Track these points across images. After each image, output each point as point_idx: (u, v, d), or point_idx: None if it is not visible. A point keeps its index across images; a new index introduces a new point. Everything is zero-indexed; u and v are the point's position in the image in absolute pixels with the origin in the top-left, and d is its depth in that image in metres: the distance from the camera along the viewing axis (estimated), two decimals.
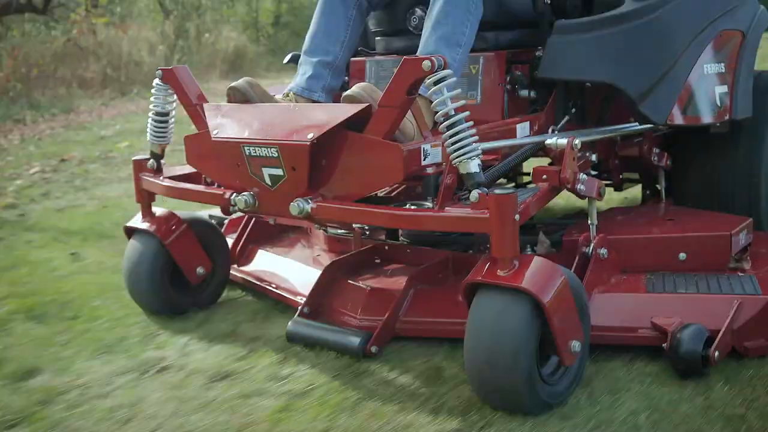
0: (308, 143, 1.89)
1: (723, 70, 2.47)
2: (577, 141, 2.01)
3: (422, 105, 2.03)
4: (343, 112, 1.92)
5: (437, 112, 1.79)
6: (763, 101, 2.64)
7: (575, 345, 1.77)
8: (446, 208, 1.82)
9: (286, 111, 2.02)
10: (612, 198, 3.52)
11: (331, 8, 2.37)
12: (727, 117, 2.47)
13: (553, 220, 2.74)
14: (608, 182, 2.91)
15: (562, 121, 2.37)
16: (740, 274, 2.14)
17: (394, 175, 1.88)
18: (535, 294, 1.68)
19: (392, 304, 2.14)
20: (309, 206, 1.94)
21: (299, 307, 2.26)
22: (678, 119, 2.33)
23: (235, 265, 2.69)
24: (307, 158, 1.91)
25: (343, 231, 2.61)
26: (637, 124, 2.49)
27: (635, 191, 3.26)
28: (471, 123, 1.80)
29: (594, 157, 2.41)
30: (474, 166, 1.77)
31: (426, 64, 1.76)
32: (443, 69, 1.78)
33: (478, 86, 2.39)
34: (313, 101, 2.31)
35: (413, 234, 2.56)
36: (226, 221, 2.90)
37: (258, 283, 2.57)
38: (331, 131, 1.90)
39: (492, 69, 2.36)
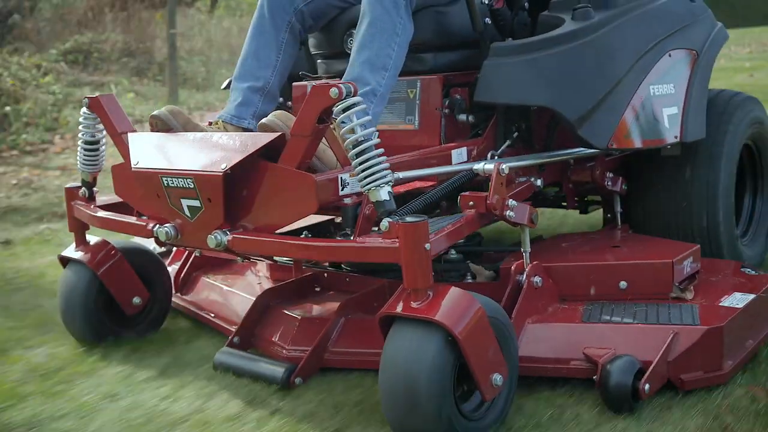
0: (221, 174, 1.85)
1: (672, 91, 2.40)
2: (504, 166, 1.95)
3: None
4: (256, 141, 1.88)
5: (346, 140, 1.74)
6: (719, 122, 2.56)
7: (497, 378, 1.70)
8: (359, 238, 1.77)
9: (202, 141, 1.98)
10: (582, 220, 3.45)
11: (261, 31, 2.33)
12: (677, 139, 2.40)
13: (502, 247, 2.67)
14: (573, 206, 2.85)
15: (503, 146, 2.31)
16: (682, 303, 2.05)
17: (308, 205, 1.83)
18: (448, 326, 1.62)
19: (320, 334, 2.09)
20: (226, 238, 1.90)
21: (229, 336, 2.21)
22: (621, 143, 2.26)
23: (179, 293, 2.65)
24: (221, 189, 1.87)
25: (287, 258, 2.56)
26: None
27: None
28: (381, 150, 1.75)
29: (539, 182, 2.34)
30: (384, 193, 1.72)
31: (333, 91, 1.72)
32: (352, 95, 1.74)
33: (415, 111, 2.34)
34: (243, 129, 2.27)
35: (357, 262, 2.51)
36: (174, 250, 2.86)
37: (198, 311, 2.53)
38: (245, 161, 1.86)
39: (430, 93, 2.31)
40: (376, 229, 1.88)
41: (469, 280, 2.27)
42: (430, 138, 2.31)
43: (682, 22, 2.46)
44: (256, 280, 2.60)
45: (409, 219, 1.67)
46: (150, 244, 2.62)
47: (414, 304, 1.66)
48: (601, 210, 2.84)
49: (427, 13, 2.29)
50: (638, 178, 2.60)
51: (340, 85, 1.72)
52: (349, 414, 1.89)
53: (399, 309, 1.68)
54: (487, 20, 2.37)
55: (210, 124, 2.33)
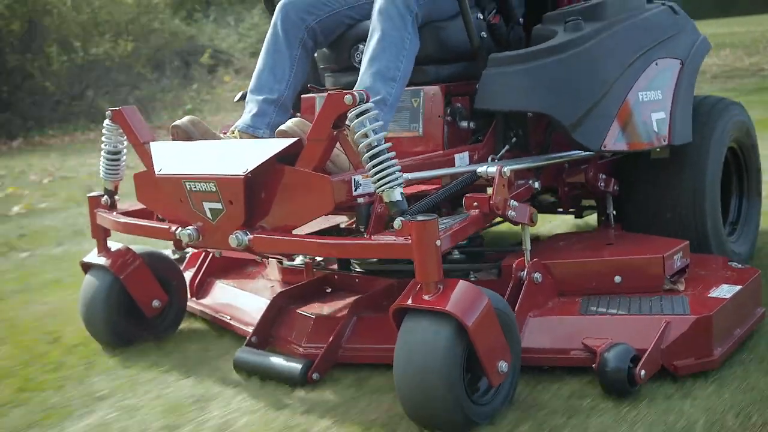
0: (243, 177, 1.98)
1: (660, 97, 2.54)
2: (506, 169, 2.08)
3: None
4: (274, 146, 2.01)
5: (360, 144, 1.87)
6: (705, 126, 2.71)
7: (502, 365, 1.83)
8: (373, 236, 1.89)
9: (223, 147, 2.10)
10: (577, 224, 3.58)
11: (276, 47, 2.47)
12: (665, 143, 2.54)
13: (502, 248, 2.80)
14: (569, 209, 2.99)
15: (502, 151, 2.45)
16: (673, 295, 2.19)
17: (324, 205, 1.96)
18: (459, 316, 1.74)
19: (334, 332, 2.21)
20: (247, 238, 2.02)
21: (247, 337, 2.33)
22: (613, 146, 2.40)
23: (194, 298, 2.76)
24: (242, 191, 1.99)
25: (299, 261, 2.69)
26: (580, 151, 2.57)
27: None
28: (393, 153, 1.88)
29: (537, 185, 2.48)
30: (397, 194, 1.85)
31: (347, 98, 1.85)
32: (365, 102, 1.87)
33: (419, 119, 2.47)
34: (257, 138, 2.39)
35: (367, 262, 2.63)
36: (187, 256, 2.98)
37: (214, 314, 2.64)
38: (265, 165, 1.98)
39: (433, 102, 2.45)
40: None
41: (472, 279, 2.40)
42: (433, 144, 2.44)
43: (668, 33, 2.61)
44: (269, 283, 2.72)
45: (420, 217, 1.80)
46: (166, 251, 2.75)
47: (426, 297, 1.79)
48: (594, 215, 2.98)
49: (429, 28, 2.43)
50: (629, 180, 2.74)
51: (354, 92, 1.85)
52: (365, 405, 2.01)
53: (412, 301, 1.80)
54: (483, 34, 2.51)
55: (225, 134, 2.46)
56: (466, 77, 2.51)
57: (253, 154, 2.01)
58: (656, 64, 2.54)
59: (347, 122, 1.88)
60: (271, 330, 2.36)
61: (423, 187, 2.30)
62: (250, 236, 2.01)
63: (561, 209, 2.93)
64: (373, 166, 1.86)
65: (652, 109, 2.51)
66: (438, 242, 1.79)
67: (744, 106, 2.95)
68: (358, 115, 1.86)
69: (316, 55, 2.72)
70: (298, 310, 2.37)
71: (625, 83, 2.43)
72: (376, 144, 1.86)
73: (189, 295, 2.72)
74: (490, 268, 2.44)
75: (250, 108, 2.43)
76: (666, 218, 2.68)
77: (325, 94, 2.66)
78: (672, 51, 2.61)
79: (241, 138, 2.39)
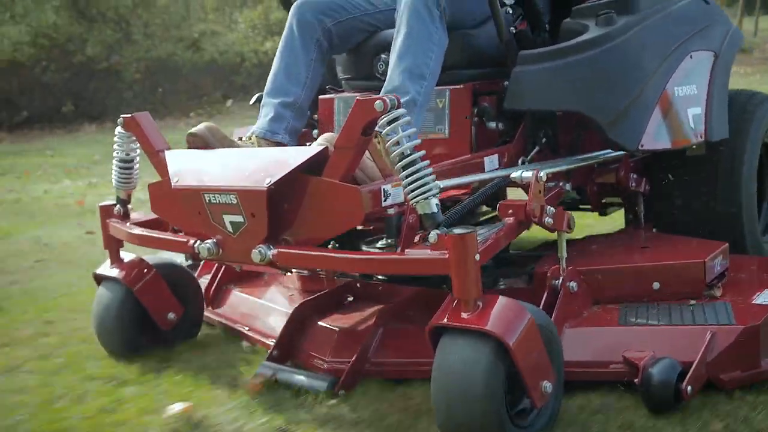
0: (266, 189, 1.87)
1: (695, 92, 2.44)
2: (542, 173, 1.98)
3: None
4: (299, 155, 1.90)
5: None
6: (740, 121, 2.60)
7: (546, 386, 1.73)
8: (407, 250, 1.79)
9: (243, 156, 2.00)
10: (603, 221, 3.47)
11: (292, 49, 2.36)
12: (702, 139, 2.44)
13: (532, 252, 2.70)
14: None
15: (532, 152, 2.34)
16: (716, 302, 2.09)
17: (354, 217, 1.85)
18: (500, 336, 1.64)
19: (359, 345, 2.11)
20: (270, 252, 1.91)
21: (269, 351, 2.23)
22: (650, 144, 2.29)
23: (210, 307, 2.66)
24: (265, 204, 1.89)
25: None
26: (611, 150, 2.46)
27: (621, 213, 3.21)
28: (427, 162, 1.77)
29: (568, 187, 2.37)
30: (432, 205, 1.74)
31: (378, 104, 1.74)
32: (397, 108, 1.76)
33: (445, 120, 2.36)
34: (276, 143, 2.28)
35: None
36: (202, 262, 2.87)
37: (232, 325, 2.54)
38: (289, 176, 1.88)
39: (459, 102, 2.34)
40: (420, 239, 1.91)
41: (502, 286, 2.30)
42: (460, 146, 2.33)
43: (701, 24, 2.50)
44: (288, 291, 2.62)
45: (457, 231, 1.69)
46: (178, 258, 2.64)
47: (465, 315, 1.68)
48: (619, 210, 2.88)
49: (456, 35, 2.31)
50: (662, 178, 2.64)
51: (385, 98, 1.74)
52: (396, 423, 1.91)
53: (449, 320, 1.70)
54: (512, 29, 2.39)
55: (240, 139, 2.34)
56: (493, 76, 2.40)
57: (276, 164, 1.91)
58: (691, 57, 2.43)
59: (378, 128, 1.77)
60: (293, 343, 2.26)
61: (453, 192, 2.20)
62: (274, 251, 1.91)
63: (583, 208, 2.81)
64: (407, 176, 1.75)
65: (688, 104, 2.40)
66: (477, 257, 1.69)
67: None
68: (389, 122, 1.75)
69: (337, 62, 2.61)
70: (321, 322, 2.27)
71: (662, 78, 2.32)
72: (409, 152, 1.75)
73: (205, 305, 2.62)
74: (520, 274, 2.34)
75: (266, 112, 2.32)
76: (700, 218, 2.58)
77: (344, 95, 2.58)
78: (705, 43, 2.50)
79: (258, 144, 2.28)
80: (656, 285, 2.14)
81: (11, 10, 11.69)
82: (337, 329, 2.21)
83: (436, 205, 1.75)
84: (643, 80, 2.27)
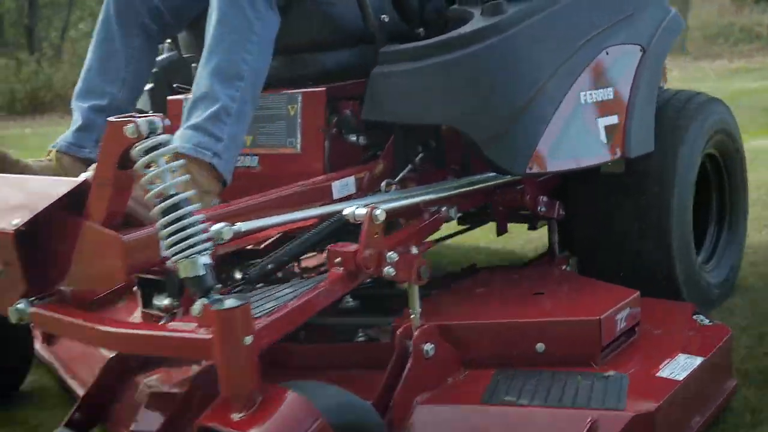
0: (12, 232, 1.45)
1: (611, 97, 1.97)
2: (378, 211, 1.54)
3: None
4: (56, 189, 1.47)
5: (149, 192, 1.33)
6: (673, 131, 2.13)
7: None
8: (171, 323, 1.37)
9: (2, 186, 1.57)
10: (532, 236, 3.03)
11: (107, 37, 1.91)
12: (617, 155, 1.98)
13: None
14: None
15: (402, 172, 1.90)
16: (611, 372, 1.65)
17: (115, 271, 1.43)
18: None
19: (169, 412, 1.70)
20: (29, 310, 1.50)
21: (70, 412, 1.83)
22: (544, 165, 1.83)
23: (45, 344, 2.26)
24: (15, 250, 1.47)
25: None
26: None
27: None
28: (197, 206, 1.35)
29: (452, 213, 1.93)
30: (198, 267, 1.31)
31: (130, 129, 1.31)
32: (159, 133, 1.33)
33: (297, 131, 1.92)
34: (83, 160, 1.86)
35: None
36: None
37: (58, 369, 2.14)
38: (42, 215, 1.45)
39: (311, 109, 1.90)
40: None
41: (361, 339, 1.87)
42: (314, 163, 1.90)
43: (623, 11, 2.02)
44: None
45: (228, 302, 1.26)
46: None
47: (235, 416, 1.27)
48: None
49: (304, 6, 1.87)
50: (579, 201, 2.18)
51: (139, 120, 1.31)
52: None
53: (215, 420, 1.28)
54: (384, 17, 1.93)
55: (49, 153, 1.92)
56: (362, 70, 1.94)
57: (29, 200, 1.49)
58: (606, 53, 1.96)
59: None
60: (104, 402, 1.85)
61: (296, 225, 1.75)
62: (33, 309, 1.50)
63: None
64: (166, 225, 1.32)
65: (599, 112, 1.94)
66: (248, 339, 1.26)
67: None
68: (146, 152, 1.32)
69: (179, 40, 2.16)
70: (137, 377, 1.85)
71: (563, 81, 1.86)
72: (172, 192, 1.32)
73: (38, 341, 2.22)
74: (386, 323, 1.90)
75: (75, 119, 1.89)
76: (624, 249, 2.13)
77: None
78: (629, 35, 2.02)
79: (59, 161, 1.85)
80: (540, 347, 1.70)
81: None
82: (148, 389, 1.80)
83: (206, 265, 1.32)
84: (536, 84, 1.80)
